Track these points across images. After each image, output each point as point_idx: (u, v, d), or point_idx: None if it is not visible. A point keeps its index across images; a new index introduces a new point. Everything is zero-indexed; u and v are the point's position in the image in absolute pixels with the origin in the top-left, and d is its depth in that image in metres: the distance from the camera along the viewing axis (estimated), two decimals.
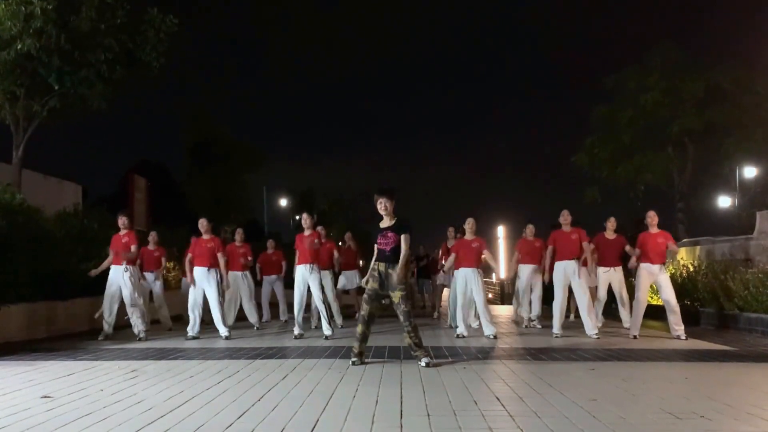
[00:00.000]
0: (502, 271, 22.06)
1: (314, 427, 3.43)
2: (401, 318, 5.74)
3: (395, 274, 5.66)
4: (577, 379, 5.06)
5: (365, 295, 5.85)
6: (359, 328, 5.81)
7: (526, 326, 9.49)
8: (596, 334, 7.85)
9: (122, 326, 8.82)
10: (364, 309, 5.83)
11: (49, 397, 4.33)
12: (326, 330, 8.11)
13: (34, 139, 12.34)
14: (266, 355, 6.52)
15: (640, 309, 7.96)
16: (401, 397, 4.18)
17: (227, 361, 6.10)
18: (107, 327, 8.29)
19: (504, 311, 13.83)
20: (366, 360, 5.84)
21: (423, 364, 5.55)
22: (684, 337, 7.66)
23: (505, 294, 20.61)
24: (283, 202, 38.65)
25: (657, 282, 7.97)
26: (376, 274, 5.76)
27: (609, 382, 4.83)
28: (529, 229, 9.71)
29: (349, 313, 11.77)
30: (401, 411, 3.79)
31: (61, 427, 3.47)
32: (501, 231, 46.85)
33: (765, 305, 8.25)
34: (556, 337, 7.95)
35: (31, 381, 5.02)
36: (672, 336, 7.81)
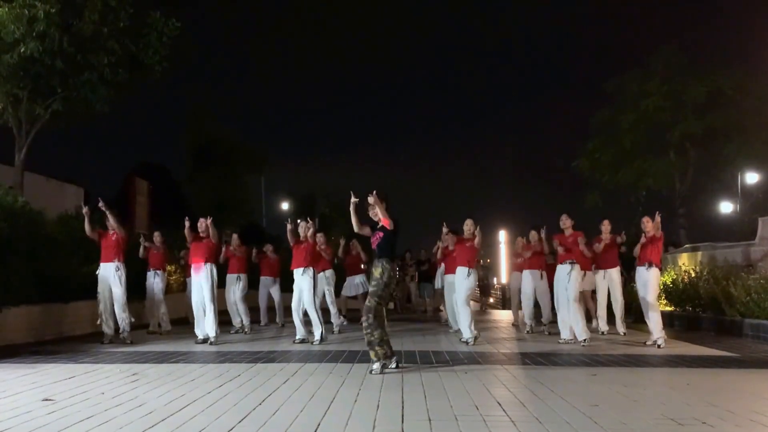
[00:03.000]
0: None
1: (315, 431, 3.43)
2: (363, 311, 5.67)
3: (375, 270, 5.67)
4: (578, 384, 5.06)
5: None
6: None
7: (528, 332, 9.46)
8: (564, 341, 7.80)
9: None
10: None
11: (50, 399, 4.33)
12: (314, 335, 7.98)
13: (36, 142, 12.36)
14: (267, 359, 6.51)
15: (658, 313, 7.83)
16: (402, 402, 4.18)
17: (228, 364, 6.10)
18: (107, 329, 8.27)
19: (505, 316, 13.82)
20: (400, 365, 5.71)
21: (372, 369, 5.45)
22: (651, 343, 7.61)
23: (506, 299, 20.57)
24: (284, 206, 38.64)
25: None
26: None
27: (610, 388, 4.82)
28: (533, 235, 9.70)
29: (355, 316, 11.76)
30: (402, 416, 3.78)
31: (63, 430, 3.47)
32: (502, 235, 46.88)
33: (767, 311, 8.24)
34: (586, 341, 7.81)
35: (33, 383, 5.02)
36: (679, 342, 7.80)
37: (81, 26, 11.02)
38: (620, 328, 8.95)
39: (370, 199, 5.71)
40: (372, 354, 5.56)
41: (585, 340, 7.63)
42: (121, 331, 8.23)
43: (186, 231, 8.27)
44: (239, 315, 9.85)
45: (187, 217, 8.38)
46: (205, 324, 8.03)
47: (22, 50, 10.47)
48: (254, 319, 10.51)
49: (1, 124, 11.92)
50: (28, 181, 12.84)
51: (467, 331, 7.81)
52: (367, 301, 5.68)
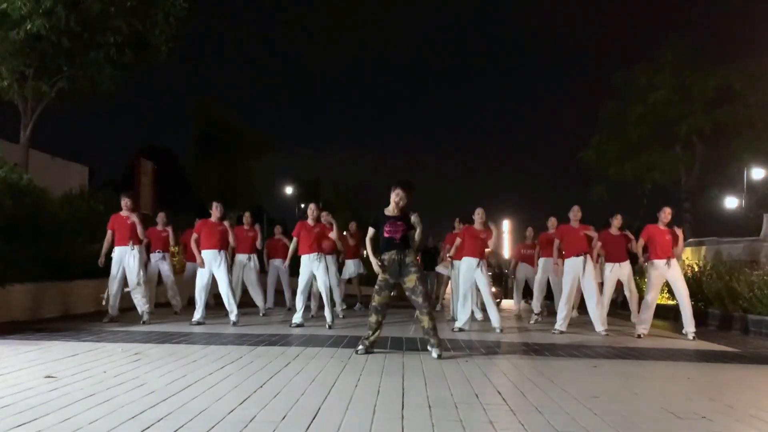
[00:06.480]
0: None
1: (315, 415, 3.44)
2: (420, 300, 5.67)
3: (408, 258, 5.68)
4: (579, 375, 5.06)
5: (376, 286, 5.80)
6: (372, 318, 5.78)
7: (537, 320, 9.48)
8: (605, 330, 7.81)
9: (127, 308, 8.85)
10: (376, 299, 5.79)
11: (52, 377, 4.35)
12: (329, 317, 8.06)
13: (41, 120, 12.37)
14: (269, 342, 6.53)
15: (651, 309, 7.82)
16: (403, 389, 4.19)
17: (230, 346, 6.12)
18: (112, 310, 8.31)
19: (508, 305, 13.83)
20: (372, 351, 5.81)
21: (435, 355, 5.55)
22: (692, 337, 7.57)
23: (508, 288, 20.57)
24: (289, 190, 38.66)
25: (668, 278, 7.80)
26: (385, 263, 5.73)
27: (611, 380, 4.83)
28: (551, 222, 9.74)
29: (350, 302, 11.79)
30: (402, 402, 3.79)
31: (64, 408, 3.48)
32: (506, 225, 47.00)
33: None
34: (561, 333, 7.92)
35: (35, 361, 5.04)
36: (680, 335, 7.78)
37: (88, 4, 10.97)
38: (635, 318, 9.02)
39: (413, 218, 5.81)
40: (435, 341, 5.67)
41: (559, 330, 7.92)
42: (140, 314, 8.25)
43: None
44: (260, 296, 9.88)
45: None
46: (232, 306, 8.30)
47: (28, 27, 10.43)
48: (245, 301, 10.49)
49: (6, 101, 11.92)
50: (33, 159, 12.87)
51: (498, 320, 8.05)
52: (423, 288, 5.74)
